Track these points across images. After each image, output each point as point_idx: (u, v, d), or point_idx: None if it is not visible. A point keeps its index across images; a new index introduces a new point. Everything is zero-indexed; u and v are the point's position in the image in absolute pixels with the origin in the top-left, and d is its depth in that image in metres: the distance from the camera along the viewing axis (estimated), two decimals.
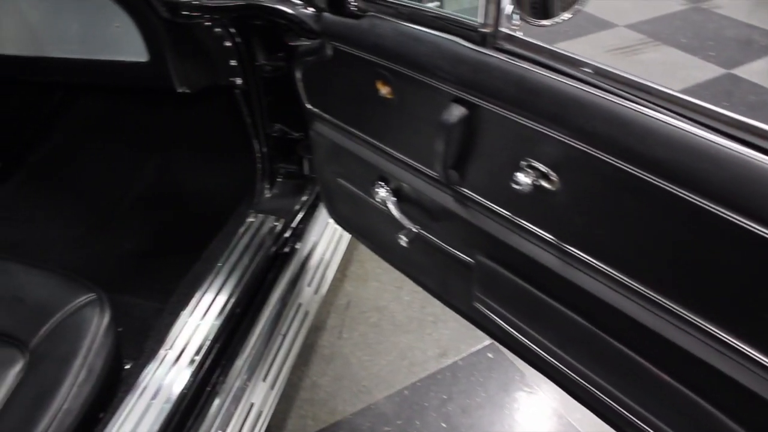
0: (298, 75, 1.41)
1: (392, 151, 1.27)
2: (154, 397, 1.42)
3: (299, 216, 1.80)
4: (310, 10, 1.40)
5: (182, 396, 1.42)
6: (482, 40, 0.99)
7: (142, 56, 1.63)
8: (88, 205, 2.11)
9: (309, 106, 1.46)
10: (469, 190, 1.14)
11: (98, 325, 1.33)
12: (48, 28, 1.74)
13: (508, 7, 0.97)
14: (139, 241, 2.00)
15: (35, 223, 2.03)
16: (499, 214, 1.10)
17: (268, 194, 1.83)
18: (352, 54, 1.19)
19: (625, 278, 0.93)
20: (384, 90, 1.17)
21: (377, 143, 1.30)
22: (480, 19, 0.99)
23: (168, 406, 1.40)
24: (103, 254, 1.95)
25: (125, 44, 1.63)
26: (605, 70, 0.88)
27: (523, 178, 0.97)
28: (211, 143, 2.16)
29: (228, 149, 2.11)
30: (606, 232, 0.93)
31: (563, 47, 0.93)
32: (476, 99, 1.00)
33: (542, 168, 0.96)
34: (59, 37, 1.73)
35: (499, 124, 0.99)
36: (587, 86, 0.87)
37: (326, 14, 1.22)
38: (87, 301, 1.37)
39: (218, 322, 1.54)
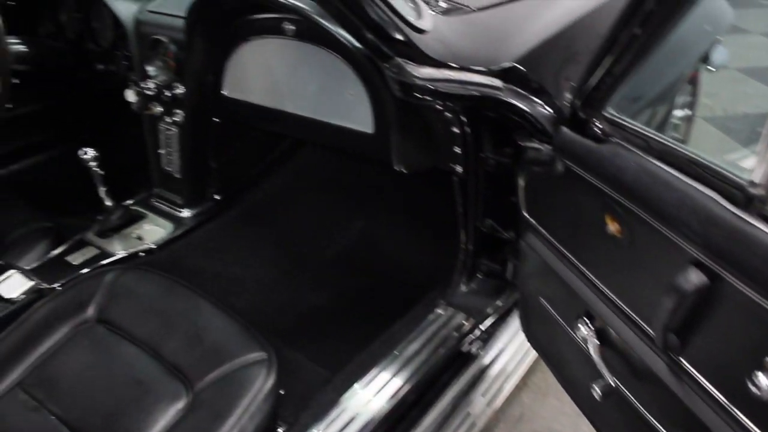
0: (522, 182, 1.31)
1: (606, 290, 1.11)
2: None
3: (490, 320, 1.69)
4: (549, 112, 1.30)
5: None
6: (747, 202, 0.81)
7: (368, 127, 1.63)
8: (289, 252, 2.16)
9: (526, 215, 1.35)
10: (688, 363, 0.95)
11: (261, 386, 1.31)
12: (289, 85, 1.81)
13: None
14: (324, 298, 2.00)
15: (237, 259, 2.12)
16: (721, 404, 0.90)
17: (463, 288, 1.74)
18: (585, 178, 1.06)
19: None
20: (612, 227, 1.02)
21: (591, 276, 1.15)
22: (750, 177, 0.81)
23: None
24: (288, 302, 1.98)
25: (354, 113, 1.65)
26: None
27: (765, 381, 0.78)
28: (417, 220, 2.13)
29: (433, 231, 2.06)
30: None
31: None
32: (723, 271, 0.82)
33: None
34: (297, 95, 1.79)
35: (747, 307, 0.80)
36: None
37: (565, 129, 1.11)
38: (257, 360, 1.36)
39: (381, 414, 1.46)
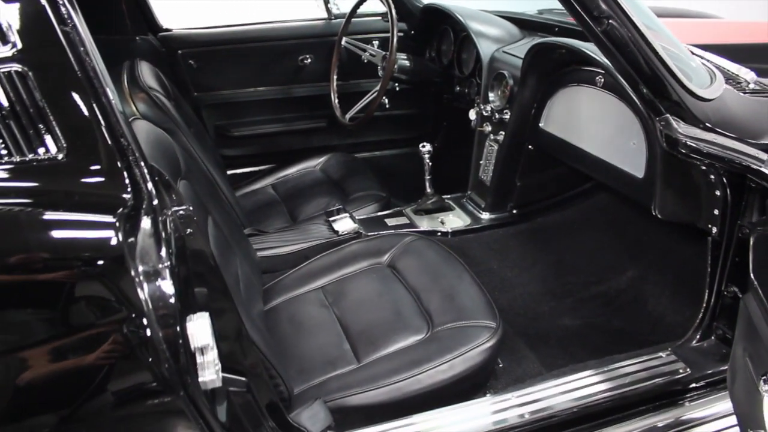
0: (752, 240, 1.41)
1: None
2: None
3: (707, 380, 1.72)
4: None
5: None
6: None
7: (639, 172, 1.85)
8: (560, 276, 2.41)
9: (752, 275, 1.43)
10: None
11: (481, 342, 1.63)
12: (589, 127, 2.12)
13: None
14: (574, 323, 2.20)
15: (512, 265, 2.45)
16: None
17: (693, 344, 1.80)
18: None
19: None
20: None
21: None
22: None
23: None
24: (542, 315, 2.24)
25: (632, 158, 1.88)
26: None
27: None
28: (686, 282, 2.17)
29: (683, 285, 2.15)
30: None
31: None
32: None
33: None
34: (593, 136, 2.09)
35: None
36: None
37: None
38: (487, 325, 1.69)
39: (572, 412, 1.59)
